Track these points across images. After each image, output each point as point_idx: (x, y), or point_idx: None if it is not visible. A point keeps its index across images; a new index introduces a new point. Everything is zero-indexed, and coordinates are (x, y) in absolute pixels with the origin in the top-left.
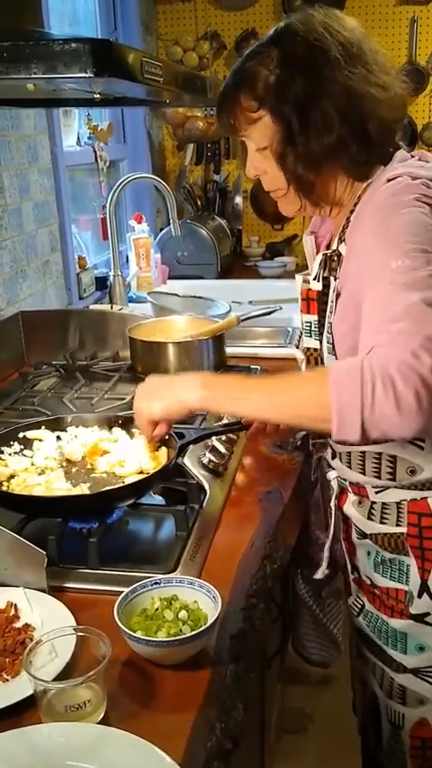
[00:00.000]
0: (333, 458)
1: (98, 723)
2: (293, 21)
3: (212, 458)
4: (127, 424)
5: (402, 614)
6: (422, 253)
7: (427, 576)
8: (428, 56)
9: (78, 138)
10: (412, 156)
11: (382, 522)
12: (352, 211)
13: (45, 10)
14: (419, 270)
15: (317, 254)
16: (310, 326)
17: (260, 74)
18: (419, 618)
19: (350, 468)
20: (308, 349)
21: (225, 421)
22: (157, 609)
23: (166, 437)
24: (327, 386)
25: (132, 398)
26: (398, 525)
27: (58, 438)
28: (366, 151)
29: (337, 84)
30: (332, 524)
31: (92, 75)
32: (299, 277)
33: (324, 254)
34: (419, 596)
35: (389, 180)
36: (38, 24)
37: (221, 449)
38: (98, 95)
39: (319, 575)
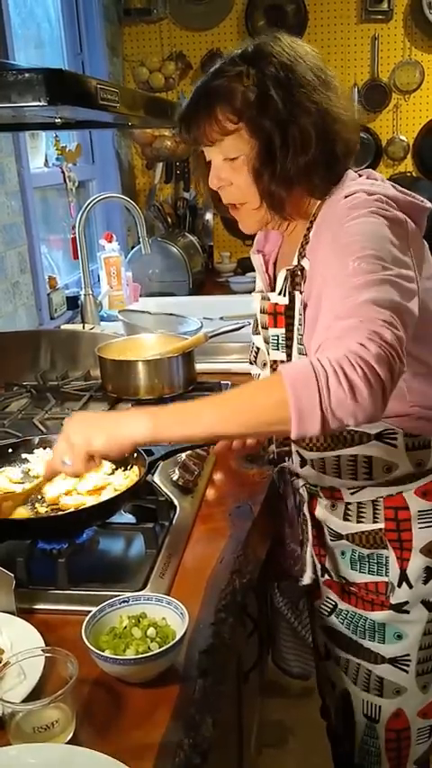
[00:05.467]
0: (302, 466)
1: (67, 743)
2: (263, 43)
3: (182, 474)
4: None
5: (383, 606)
6: (376, 259)
7: (405, 566)
8: (390, 72)
9: (46, 159)
10: (360, 176)
11: (359, 522)
12: (309, 228)
13: (9, 37)
14: (373, 273)
15: (265, 270)
16: (278, 340)
17: (236, 89)
18: (399, 607)
19: (324, 473)
20: (275, 362)
21: None
22: (125, 627)
23: (134, 454)
24: (280, 386)
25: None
26: (375, 522)
27: (26, 461)
28: (333, 171)
29: (314, 105)
30: (309, 530)
31: (45, 104)
32: (256, 295)
33: (288, 270)
34: (399, 586)
35: (346, 196)
36: (1, 52)
37: (191, 465)
38: (59, 120)
39: (306, 579)
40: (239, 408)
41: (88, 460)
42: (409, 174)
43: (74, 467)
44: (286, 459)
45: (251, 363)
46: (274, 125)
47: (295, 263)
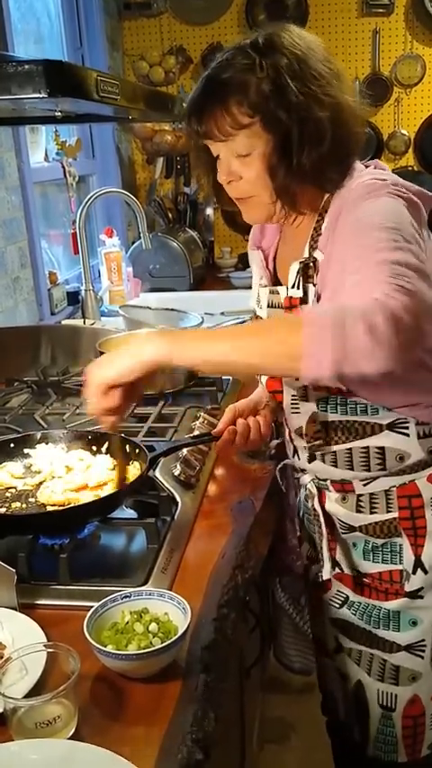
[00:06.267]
0: (311, 461)
1: (69, 738)
2: (274, 34)
3: (184, 469)
4: (97, 440)
5: (398, 594)
6: (396, 232)
7: (420, 552)
8: (391, 66)
9: (46, 154)
10: (367, 167)
11: (372, 512)
12: (318, 221)
13: (9, 32)
14: (395, 242)
15: (266, 266)
16: None
17: (250, 81)
18: (414, 594)
19: (336, 466)
20: None
21: (196, 432)
22: (127, 622)
23: (136, 450)
24: (297, 323)
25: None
26: (388, 512)
27: (28, 455)
28: (344, 164)
29: (328, 97)
30: (322, 525)
31: (45, 96)
32: (262, 290)
33: (300, 263)
34: (414, 572)
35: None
36: (1, 46)
37: (193, 460)
38: (59, 113)
39: (326, 575)
40: (255, 339)
41: (103, 393)
42: (410, 169)
43: (93, 406)
44: (290, 455)
45: None
46: (291, 119)
47: (306, 255)
